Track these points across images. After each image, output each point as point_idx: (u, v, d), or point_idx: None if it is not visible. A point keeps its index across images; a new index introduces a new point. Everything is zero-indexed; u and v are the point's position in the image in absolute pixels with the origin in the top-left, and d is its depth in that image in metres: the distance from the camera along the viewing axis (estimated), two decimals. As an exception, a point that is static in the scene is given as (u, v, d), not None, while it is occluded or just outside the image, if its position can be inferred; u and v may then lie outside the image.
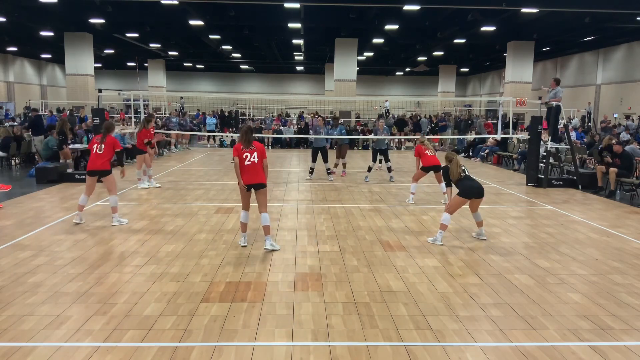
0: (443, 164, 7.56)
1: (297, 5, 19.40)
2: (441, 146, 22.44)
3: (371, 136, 14.97)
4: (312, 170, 12.98)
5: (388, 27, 22.97)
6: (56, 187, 11.08)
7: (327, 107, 28.34)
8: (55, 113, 26.48)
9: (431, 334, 4.24)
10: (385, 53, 35.38)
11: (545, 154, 12.62)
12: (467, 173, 7.05)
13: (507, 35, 26.07)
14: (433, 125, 24.60)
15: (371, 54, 33.94)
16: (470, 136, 20.45)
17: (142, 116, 14.30)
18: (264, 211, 6.50)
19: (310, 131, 19.14)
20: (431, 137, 19.55)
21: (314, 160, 12.84)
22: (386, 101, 33.06)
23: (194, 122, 27.03)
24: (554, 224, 8.40)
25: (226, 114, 28.28)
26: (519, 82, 27.32)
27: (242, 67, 46.91)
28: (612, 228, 8.15)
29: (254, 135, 6.77)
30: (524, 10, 18.92)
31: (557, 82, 13.11)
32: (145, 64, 40.59)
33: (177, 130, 21.10)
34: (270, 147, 22.65)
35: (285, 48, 34.82)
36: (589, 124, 27.25)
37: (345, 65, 26.75)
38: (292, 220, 8.31)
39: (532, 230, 7.98)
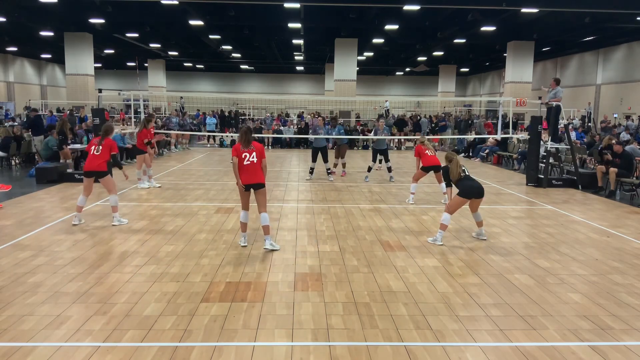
0: (443, 164, 7.56)
1: (297, 5, 19.39)
2: (441, 146, 22.44)
3: (371, 136, 14.95)
4: (312, 170, 12.98)
5: (388, 27, 22.97)
6: (56, 187, 11.08)
7: (327, 107, 28.34)
8: (55, 113, 26.47)
9: (431, 334, 4.24)
10: (385, 53, 35.38)
11: (545, 154, 12.62)
12: (467, 173, 7.05)
13: (507, 35, 26.07)
14: (433, 125, 24.60)
15: (371, 54, 33.94)
16: (470, 136, 20.46)
17: (142, 116, 14.30)
18: (263, 211, 6.50)
19: (310, 131, 19.14)
20: (431, 137, 19.56)
21: (314, 160, 12.84)
22: (386, 101, 33.05)
23: (194, 122, 27.02)
24: (554, 224, 8.40)
25: (226, 114, 28.28)
26: (519, 82, 27.32)
27: (242, 67, 46.91)
28: (612, 228, 8.15)
29: (253, 135, 6.78)
30: (524, 10, 18.92)
31: (557, 82, 13.10)
32: (145, 64, 40.58)
33: (177, 130, 21.10)
34: (270, 147, 22.66)
35: (285, 48, 34.82)
36: (589, 124, 27.24)
37: (345, 65, 26.75)
38: (292, 220, 8.31)
39: (532, 230, 7.98)
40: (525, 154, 14.13)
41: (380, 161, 14.20)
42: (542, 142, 12.80)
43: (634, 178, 11.12)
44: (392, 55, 36.58)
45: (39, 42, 31.91)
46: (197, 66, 47.08)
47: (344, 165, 13.85)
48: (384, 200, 10.22)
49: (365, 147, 22.44)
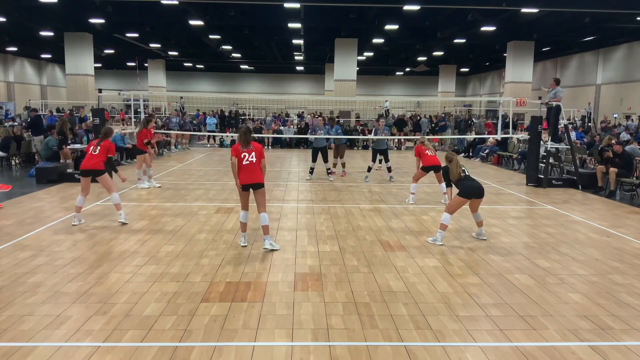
0: (443, 164, 7.56)
1: (297, 5, 19.40)
2: (441, 146, 22.44)
3: (371, 136, 14.95)
4: (312, 170, 12.98)
5: (388, 27, 22.97)
6: (56, 187, 11.08)
7: (327, 107, 28.34)
8: (55, 113, 26.47)
9: (431, 334, 4.24)
10: (385, 53, 35.38)
11: (545, 154, 12.62)
12: (467, 173, 7.05)
13: (507, 35, 26.07)
14: (433, 125, 24.60)
15: (371, 54, 33.94)
16: (470, 136, 20.46)
17: (142, 116, 14.30)
18: (262, 211, 6.51)
19: (310, 131, 19.14)
20: (431, 137, 19.56)
21: (314, 160, 12.84)
22: (386, 101, 33.06)
23: (194, 122, 27.01)
24: (554, 224, 8.40)
25: (226, 114, 28.27)
26: (519, 82, 27.32)
27: (242, 67, 46.91)
28: (612, 228, 8.15)
29: (252, 135, 6.79)
30: (524, 10, 18.92)
31: (557, 82, 13.10)
32: (145, 64, 40.59)
33: (177, 130, 21.11)
34: (270, 148, 22.66)
35: (285, 48, 34.82)
36: (589, 124, 27.25)
37: (345, 65, 26.75)
38: (292, 220, 8.31)
39: (532, 230, 7.98)
40: (525, 154, 14.14)
41: (380, 161, 14.20)
42: (542, 142, 12.81)
43: (634, 178, 11.12)
44: (392, 55, 36.58)
45: (39, 42, 31.91)
46: (197, 66, 47.08)
47: (343, 165, 13.85)
48: (384, 200, 10.22)
49: (365, 147, 22.44)
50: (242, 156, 6.43)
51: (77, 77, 26.80)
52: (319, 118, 17.51)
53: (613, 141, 11.82)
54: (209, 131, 24.32)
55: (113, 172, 8.13)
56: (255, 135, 19.28)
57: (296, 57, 39.22)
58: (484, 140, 18.80)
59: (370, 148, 17.00)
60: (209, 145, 23.53)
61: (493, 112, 31.40)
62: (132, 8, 21.77)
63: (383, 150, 12.94)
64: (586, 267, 6.15)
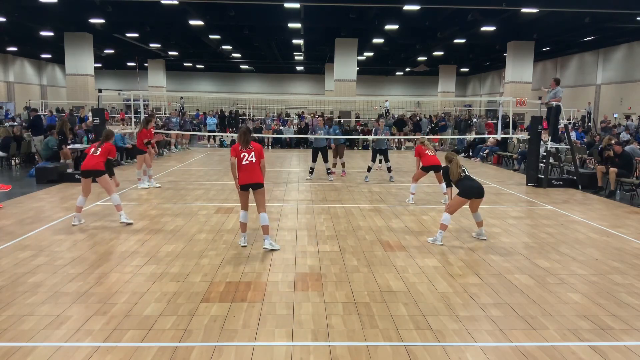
0: (443, 164, 7.56)
1: (297, 5, 19.40)
2: (441, 146, 22.44)
3: (371, 136, 14.95)
4: (312, 170, 12.98)
5: (388, 27, 22.97)
6: (56, 187, 11.08)
7: (327, 107, 28.33)
8: (55, 113, 26.47)
9: (431, 334, 4.24)
10: (385, 53, 35.38)
11: (545, 154, 12.62)
12: (467, 173, 7.05)
13: (507, 35, 26.07)
14: (433, 125, 24.61)
15: (371, 54, 33.94)
16: (470, 136, 20.45)
17: (142, 116, 14.30)
18: (262, 211, 6.51)
19: (310, 131, 19.14)
20: (431, 137, 19.56)
21: (314, 160, 12.84)
22: (386, 101, 33.06)
23: (194, 121, 27.00)
24: (554, 224, 8.40)
25: (226, 114, 28.26)
26: (519, 82, 27.33)
27: (242, 67, 46.92)
28: (612, 228, 8.15)
29: (252, 135, 6.81)
30: (524, 10, 18.92)
31: (557, 82, 13.11)
32: (145, 64, 40.59)
33: (177, 130, 21.11)
34: (270, 148, 22.66)
35: (285, 48, 34.82)
36: (589, 124, 27.25)
37: (345, 65, 26.75)
38: (292, 220, 8.31)
39: (532, 230, 7.98)
40: (525, 154, 14.14)
41: (380, 161, 14.20)
42: (542, 142, 12.81)
43: (634, 178, 11.13)
44: (392, 55, 36.58)
45: (39, 42, 31.91)
46: (197, 66, 47.09)
47: (343, 164, 13.84)
48: (384, 200, 10.22)
49: (365, 147, 22.44)
50: (241, 156, 6.45)
51: (77, 77, 26.80)
52: (319, 118, 17.51)
53: (613, 141, 11.82)
54: (209, 131, 24.31)
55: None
56: (255, 135, 19.31)
57: (296, 57, 39.23)
58: (484, 140, 18.80)
59: (370, 148, 17.00)
60: (209, 145, 23.53)
61: (493, 112, 31.40)
62: (132, 8, 21.78)
63: (383, 150, 12.94)
64: (586, 267, 6.15)
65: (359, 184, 12.29)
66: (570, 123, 19.95)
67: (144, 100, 17.21)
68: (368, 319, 4.51)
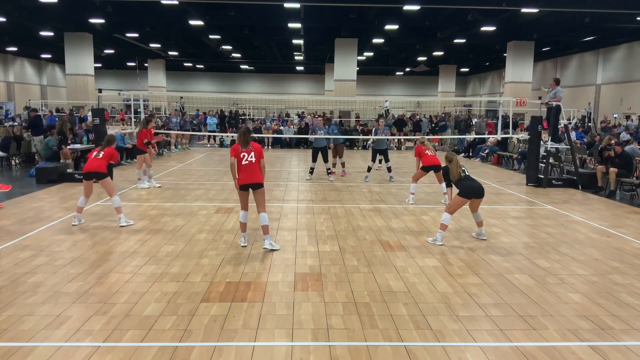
0: (443, 164, 7.56)
1: (297, 5, 19.39)
2: (441, 146, 22.44)
3: (371, 136, 14.94)
4: (312, 170, 12.98)
5: (388, 27, 22.96)
6: (56, 187, 11.08)
7: (327, 107, 28.33)
8: (55, 113, 26.47)
9: (431, 334, 4.24)
10: (385, 53, 35.37)
11: (545, 154, 12.62)
12: (467, 173, 7.05)
13: (507, 35, 26.06)
14: (433, 125, 24.62)
15: (371, 54, 33.93)
16: (470, 136, 20.46)
17: (142, 116, 14.30)
18: (262, 211, 6.52)
19: (311, 131, 19.14)
20: (431, 137, 19.56)
21: (314, 160, 12.84)
22: (386, 101, 33.06)
23: (194, 122, 26.98)
24: (554, 224, 8.40)
25: (226, 114, 28.25)
26: (519, 82, 27.32)
27: (242, 67, 46.91)
28: (612, 228, 8.15)
29: (252, 136, 6.81)
30: (524, 10, 18.92)
31: (557, 82, 13.11)
32: (145, 64, 40.58)
33: (177, 130, 21.11)
34: (270, 148, 22.66)
35: (285, 48, 34.82)
36: (589, 124, 27.25)
37: (345, 65, 26.74)
38: (292, 220, 8.31)
39: (532, 230, 7.98)
40: (525, 154, 14.14)
41: (380, 161, 14.20)
42: (542, 142, 12.81)
43: (634, 178, 11.13)
44: (392, 55, 36.58)
45: (39, 42, 31.90)
46: (197, 66, 47.08)
47: (343, 164, 13.84)
48: (384, 200, 10.22)
49: (365, 147, 22.44)
50: (241, 156, 6.45)
51: (77, 77, 26.79)
52: (319, 118, 17.51)
53: (613, 141, 11.82)
54: (210, 131, 24.31)
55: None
56: (255, 135, 19.31)
57: (296, 57, 39.22)
58: (484, 140, 18.80)
59: (370, 148, 17.00)
60: (209, 145, 23.53)
61: (493, 112, 31.40)
62: (132, 8, 21.77)
63: (383, 150, 12.94)
64: (586, 267, 6.15)
65: (359, 184, 12.29)
66: (570, 123, 19.92)
67: (144, 100, 17.21)
68: (368, 319, 4.51)
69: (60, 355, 3.79)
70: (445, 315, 4.62)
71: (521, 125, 25.12)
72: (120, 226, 7.69)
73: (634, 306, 4.94)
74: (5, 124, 23.79)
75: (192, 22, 22.78)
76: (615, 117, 27.95)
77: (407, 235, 7.46)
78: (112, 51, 35.21)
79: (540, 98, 13.81)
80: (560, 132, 13.51)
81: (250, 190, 6.52)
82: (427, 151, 9.72)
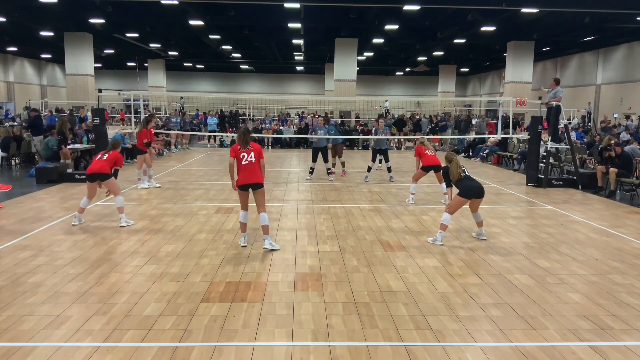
0: (443, 164, 7.56)
1: (297, 5, 19.39)
2: (441, 146, 22.44)
3: (371, 136, 14.93)
4: (312, 170, 12.98)
5: (388, 27, 22.96)
6: (56, 187, 11.08)
7: (327, 107, 28.33)
8: (55, 113, 26.46)
9: (431, 334, 4.25)
10: (385, 53, 35.36)
11: (545, 154, 12.62)
12: (467, 173, 7.05)
13: (507, 35, 26.07)
14: (433, 125, 24.61)
15: (371, 54, 33.93)
16: (470, 136, 20.45)
17: (142, 116, 14.29)
18: (262, 211, 6.52)
19: (311, 131, 19.13)
20: (431, 137, 19.56)
21: (314, 160, 12.84)
22: (386, 101, 33.06)
23: (194, 122, 26.98)
24: (554, 224, 8.40)
25: (226, 114, 28.24)
26: (519, 82, 27.33)
27: (242, 67, 46.91)
28: (612, 228, 8.15)
29: (252, 136, 6.81)
30: (524, 10, 18.92)
31: (557, 82, 13.11)
32: (145, 64, 40.58)
33: (177, 130, 21.11)
34: (270, 148, 22.65)
35: (285, 48, 34.81)
36: (589, 124, 27.25)
37: (345, 65, 26.75)
38: (292, 220, 8.31)
39: (532, 230, 7.98)
40: (525, 154, 14.13)
41: (380, 161, 14.20)
42: (542, 142, 12.81)
43: (634, 178, 11.13)
44: (392, 55, 36.57)
45: (39, 42, 31.90)
46: (197, 66, 47.08)
47: (343, 164, 13.83)
48: (384, 200, 10.22)
49: (365, 147, 22.44)
50: (241, 156, 6.46)
51: (77, 77, 26.79)
52: (320, 118, 17.49)
53: (612, 141, 11.82)
54: (210, 131, 24.31)
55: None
56: (255, 135, 19.32)
57: (296, 57, 39.21)
58: (484, 140, 18.80)
59: (370, 148, 16.99)
60: (209, 145, 23.52)
61: (493, 112, 31.41)
62: (132, 8, 21.77)
63: (383, 150, 12.94)
64: (586, 267, 6.15)
65: (359, 184, 12.29)
66: (570, 123, 19.92)
67: (144, 100, 17.21)
68: (368, 319, 4.51)
69: (60, 355, 3.80)
70: (445, 315, 4.62)
71: (522, 125, 25.14)
72: (121, 226, 7.69)
73: (634, 306, 4.94)
74: (5, 124, 23.78)
75: (192, 22, 22.78)
76: (615, 117, 27.95)
77: (407, 235, 7.46)
78: (112, 51, 35.21)
79: (540, 98, 13.81)
80: (560, 132, 13.51)
81: (250, 190, 6.52)
82: (427, 151, 9.72)
